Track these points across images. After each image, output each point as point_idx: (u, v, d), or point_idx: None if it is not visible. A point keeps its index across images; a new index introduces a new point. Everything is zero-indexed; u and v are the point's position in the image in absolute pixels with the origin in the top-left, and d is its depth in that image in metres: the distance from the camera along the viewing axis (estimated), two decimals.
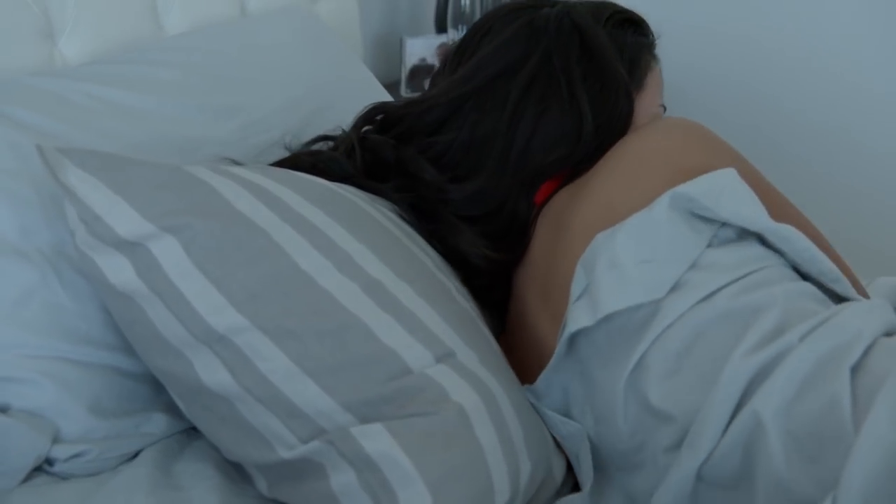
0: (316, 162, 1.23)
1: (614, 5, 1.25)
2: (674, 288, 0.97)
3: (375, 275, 1.02)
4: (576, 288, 1.01)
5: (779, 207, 1.08)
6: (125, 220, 0.98)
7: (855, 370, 0.88)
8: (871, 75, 2.02)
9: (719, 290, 0.97)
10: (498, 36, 1.21)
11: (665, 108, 1.27)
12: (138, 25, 1.45)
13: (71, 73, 1.27)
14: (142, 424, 1.08)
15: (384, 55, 2.28)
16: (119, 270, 0.99)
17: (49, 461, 1.03)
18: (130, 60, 1.33)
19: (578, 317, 0.99)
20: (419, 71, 2.18)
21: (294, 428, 0.96)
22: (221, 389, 0.98)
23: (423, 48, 2.17)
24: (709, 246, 1.01)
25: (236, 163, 1.23)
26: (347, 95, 1.44)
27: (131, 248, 0.98)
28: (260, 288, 0.97)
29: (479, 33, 1.24)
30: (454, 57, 1.25)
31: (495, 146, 1.16)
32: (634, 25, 1.24)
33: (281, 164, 1.25)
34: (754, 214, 1.01)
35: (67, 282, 1.07)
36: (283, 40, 1.53)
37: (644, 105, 1.22)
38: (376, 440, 0.92)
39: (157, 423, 1.09)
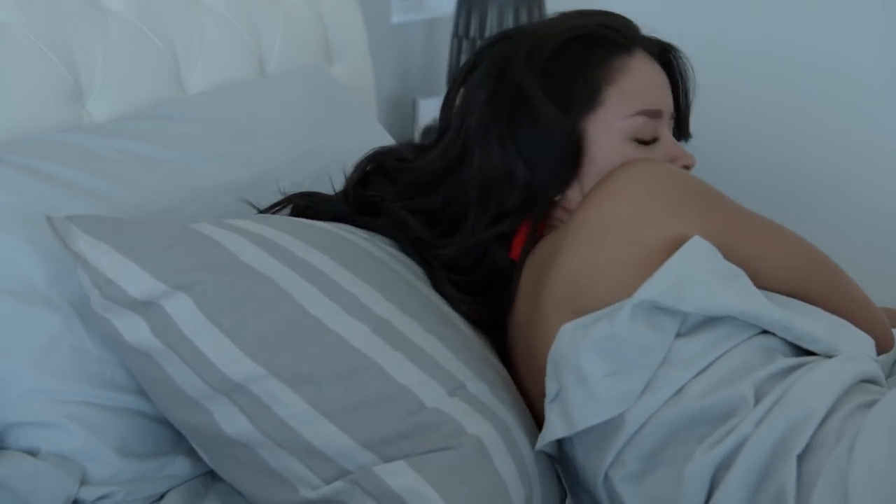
0: (310, 203, 1.28)
1: (569, 20, 1.20)
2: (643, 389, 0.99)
3: (383, 314, 1.05)
4: (549, 387, 1.02)
5: (762, 240, 1.08)
6: (136, 281, 1.02)
7: (801, 457, 0.90)
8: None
9: (687, 383, 0.97)
10: (468, 92, 1.21)
11: (654, 113, 1.17)
12: (162, 87, 1.50)
13: (98, 129, 1.32)
14: (166, 466, 1.10)
15: (398, 115, 2.34)
16: (135, 330, 1.02)
17: (77, 503, 1.05)
18: (154, 116, 1.38)
19: (554, 427, 1.01)
20: (432, 130, 2.23)
21: (316, 469, 0.98)
22: (242, 437, 1.00)
23: (436, 108, 2.22)
24: (677, 336, 1.00)
25: (253, 206, 1.29)
26: (361, 149, 1.49)
27: (145, 308, 1.02)
28: (272, 336, 1.01)
29: (456, 84, 1.25)
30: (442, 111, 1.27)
31: (467, 202, 1.18)
32: (580, 40, 1.17)
33: (276, 206, 1.29)
34: (719, 301, 0.98)
35: (93, 329, 1.11)
36: (300, 97, 1.58)
37: (606, 121, 1.14)
38: (400, 476, 0.95)
39: (181, 465, 1.11)
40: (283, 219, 1.20)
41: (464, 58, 2.24)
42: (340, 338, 1.02)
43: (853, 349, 1.02)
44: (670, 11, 2.29)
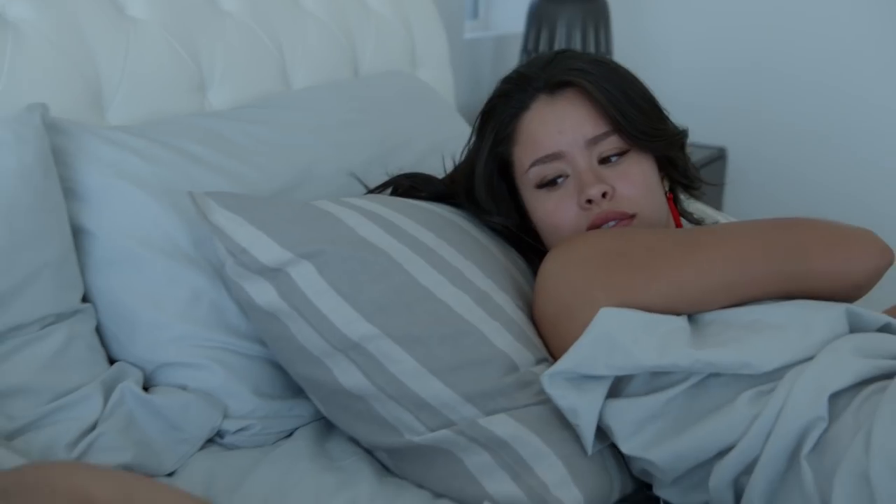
0: (413, 183, 1.42)
1: (526, 64, 1.34)
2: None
3: (483, 287, 1.18)
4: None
5: (669, 279, 1.11)
6: (267, 250, 1.15)
7: (815, 454, 0.97)
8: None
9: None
10: None
11: (548, 157, 1.25)
12: (271, 82, 1.65)
13: (224, 115, 1.46)
14: (294, 408, 1.23)
15: (469, 122, 2.47)
16: (264, 293, 1.15)
17: (220, 433, 1.18)
18: (269, 106, 1.54)
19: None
20: None
21: (423, 419, 1.10)
22: (357, 390, 1.13)
23: None
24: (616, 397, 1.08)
25: (364, 185, 1.43)
26: (448, 141, 1.63)
27: (273, 274, 1.15)
28: (386, 301, 1.13)
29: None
30: None
31: None
32: (505, 85, 1.32)
33: (383, 186, 1.43)
34: (630, 361, 1.05)
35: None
36: (395, 95, 1.73)
37: (519, 176, 1.29)
38: (503, 425, 1.07)
39: (307, 407, 1.24)
40: (393, 199, 1.33)
41: None
42: (447, 306, 1.15)
43: (801, 350, 1.04)
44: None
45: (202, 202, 1.19)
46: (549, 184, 1.25)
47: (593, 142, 1.24)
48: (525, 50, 2.47)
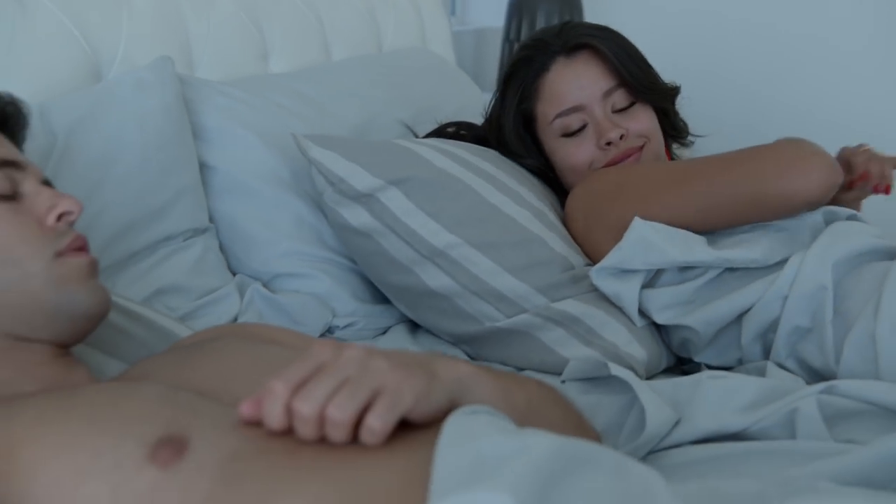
0: (458, 129, 1.66)
1: (539, 32, 1.57)
2: None
3: (538, 206, 1.43)
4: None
5: (687, 173, 1.34)
6: (360, 178, 1.36)
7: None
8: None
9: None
10: None
11: (571, 110, 1.47)
12: (315, 55, 1.88)
13: (297, 75, 1.70)
14: (385, 312, 1.47)
15: None
16: (359, 216, 1.37)
17: (330, 329, 1.42)
18: (330, 70, 1.77)
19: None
20: None
21: (502, 309, 1.34)
22: (444, 290, 1.36)
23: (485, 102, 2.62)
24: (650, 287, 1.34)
25: (414, 133, 1.69)
26: (467, 105, 1.89)
27: (367, 199, 1.37)
28: (464, 216, 1.37)
29: None
30: None
31: None
32: (511, 75, 1.54)
33: (434, 132, 1.66)
34: (661, 257, 1.29)
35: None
36: (422, 66, 1.98)
37: (543, 128, 1.52)
38: (573, 306, 1.32)
39: (396, 312, 1.47)
40: (456, 142, 1.57)
41: None
42: (513, 219, 1.39)
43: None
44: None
45: (302, 142, 1.40)
46: (572, 133, 1.48)
47: (607, 94, 1.47)
48: (507, 40, 2.72)
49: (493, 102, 1.62)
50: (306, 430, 0.73)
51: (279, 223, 1.44)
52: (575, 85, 1.48)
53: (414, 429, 0.76)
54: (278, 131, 1.49)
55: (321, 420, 0.73)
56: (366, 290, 1.46)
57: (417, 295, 1.39)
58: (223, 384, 0.87)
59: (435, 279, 1.36)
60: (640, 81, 1.48)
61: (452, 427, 0.74)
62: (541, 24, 2.68)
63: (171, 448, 0.75)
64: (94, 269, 0.96)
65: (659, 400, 1.05)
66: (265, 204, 1.44)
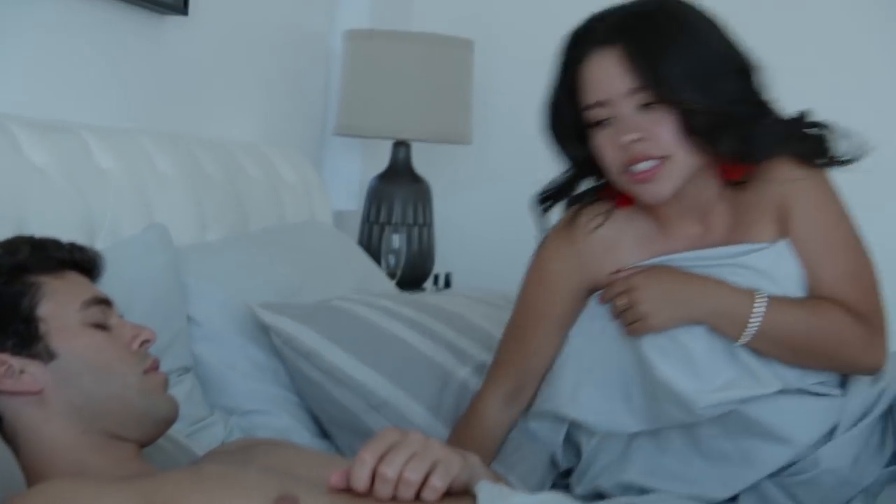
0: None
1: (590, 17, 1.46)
2: None
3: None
4: None
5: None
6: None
7: None
8: None
9: None
10: None
11: (596, 105, 1.40)
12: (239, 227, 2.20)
13: (226, 242, 2.00)
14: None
15: None
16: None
17: None
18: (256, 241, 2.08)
19: None
20: None
21: None
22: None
23: None
24: None
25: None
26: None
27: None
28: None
29: None
30: None
31: None
32: (568, 48, 1.46)
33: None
34: None
35: None
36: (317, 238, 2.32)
37: (581, 99, 1.43)
38: None
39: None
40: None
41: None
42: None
43: None
44: None
45: (256, 310, 1.72)
46: (598, 124, 1.42)
47: (632, 92, 1.38)
48: (367, 221, 3.08)
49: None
50: (386, 489, 1.04)
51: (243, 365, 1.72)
52: (599, 79, 1.41)
53: (451, 496, 1.08)
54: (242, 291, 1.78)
55: (397, 482, 1.03)
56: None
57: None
58: (290, 467, 1.15)
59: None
60: (668, 84, 1.37)
61: (485, 490, 1.08)
62: (397, 210, 3.05)
63: (289, 502, 1.03)
64: (168, 383, 1.23)
65: None
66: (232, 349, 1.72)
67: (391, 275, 2.55)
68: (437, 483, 1.04)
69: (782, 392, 1.42)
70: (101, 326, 1.21)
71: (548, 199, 1.56)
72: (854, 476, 1.41)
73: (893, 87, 2.79)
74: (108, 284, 1.51)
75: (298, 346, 1.67)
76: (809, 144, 1.44)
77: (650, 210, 1.50)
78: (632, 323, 1.44)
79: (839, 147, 1.45)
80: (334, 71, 3.10)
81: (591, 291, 1.54)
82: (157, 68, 2.23)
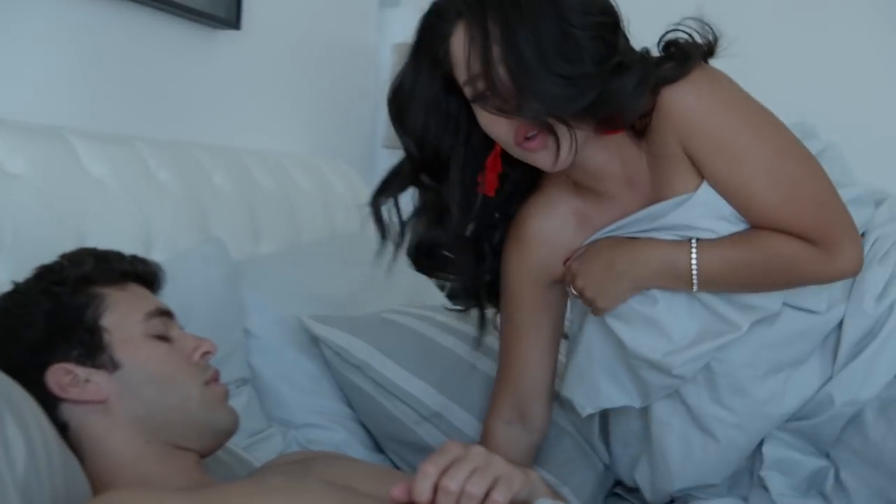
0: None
1: None
2: None
3: None
4: None
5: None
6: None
7: None
8: None
9: None
10: None
11: (466, 81, 1.28)
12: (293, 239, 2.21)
13: (283, 255, 2.01)
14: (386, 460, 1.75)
15: None
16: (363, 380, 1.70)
17: None
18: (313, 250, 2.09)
19: None
20: None
21: None
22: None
23: None
24: None
25: None
26: None
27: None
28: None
29: None
30: None
31: None
32: (426, 27, 1.34)
33: None
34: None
35: None
36: None
37: (457, 74, 1.31)
38: None
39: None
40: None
41: None
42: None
43: None
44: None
45: (307, 322, 1.72)
46: (480, 98, 1.28)
47: (485, 74, 1.25)
48: None
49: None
50: (448, 502, 1.03)
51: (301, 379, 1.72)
52: (464, 53, 1.28)
53: None
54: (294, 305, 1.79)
55: (459, 496, 1.03)
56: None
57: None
58: (349, 480, 1.15)
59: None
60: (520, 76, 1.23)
61: None
62: None
63: None
64: (228, 395, 1.24)
65: None
66: (290, 363, 1.73)
67: (441, 287, 2.55)
68: (499, 498, 1.03)
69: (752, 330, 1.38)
70: (163, 338, 1.22)
71: (382, 193, 1.45)
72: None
73: (893, 88, 2.75)
74: (167, 296, 1.53)
75: (349, 357, 1.66)
76: (670, 63, 1.30)
77: (584, 190, 1.43)
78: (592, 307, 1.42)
79: (698, 39, 1.33)
80: (383, 84, 3.11)
81: (559, 283, 1.49)
82: (210, 81, 2.24)
